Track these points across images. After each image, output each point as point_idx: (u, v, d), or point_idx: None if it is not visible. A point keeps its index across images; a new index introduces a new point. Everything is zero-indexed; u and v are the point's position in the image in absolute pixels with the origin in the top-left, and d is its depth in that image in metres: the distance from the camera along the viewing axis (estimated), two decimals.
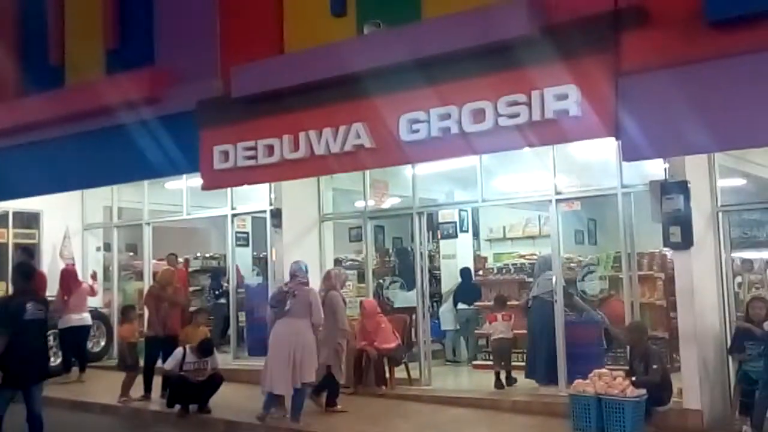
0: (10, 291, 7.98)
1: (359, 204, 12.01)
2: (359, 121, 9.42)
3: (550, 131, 8.13)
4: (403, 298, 12.42)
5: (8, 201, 14.19)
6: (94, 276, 13.22)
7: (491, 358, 10.77)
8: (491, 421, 8.79)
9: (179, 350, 9.51)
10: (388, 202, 12.16)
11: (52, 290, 12.11)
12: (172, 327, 10.49)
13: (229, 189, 12.03)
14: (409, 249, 12.51)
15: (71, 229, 14.52)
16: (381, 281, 12.87)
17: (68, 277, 12.30)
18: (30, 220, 14.87)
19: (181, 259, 14.20)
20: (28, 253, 12.32)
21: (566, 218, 10.38)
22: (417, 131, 8.97)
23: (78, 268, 13.53)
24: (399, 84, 9.02)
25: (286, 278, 10.77)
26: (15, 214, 14.62)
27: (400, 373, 10.39)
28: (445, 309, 12.43)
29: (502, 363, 10.17)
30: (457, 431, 8.45)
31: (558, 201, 9.56)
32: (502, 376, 9.99)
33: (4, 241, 14.58)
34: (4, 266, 14.48)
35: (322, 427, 8.45)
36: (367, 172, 11.01)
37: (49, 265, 13.89)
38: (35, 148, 12.98)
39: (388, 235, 14.88)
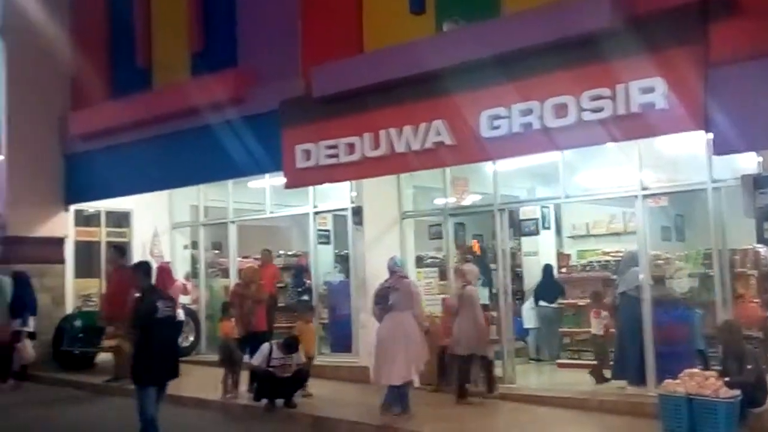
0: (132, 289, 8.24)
1: (439, 201, 11.99)
2: (439, 119, 9.44)
3: (635, 125, 7.98)
4: (484, 295, 12.31)
5: (100, 201, 14.77)
6: (187, 277, 13.61)
7: (578, 356, 10.64)
8: (577, 420, 8.65)
9: (266, 346, 9.70)
10: (469, 199, 12.09)
11: None
12: (257, 324, 10.68)
13: (311, 187, 12.17)
14: (489, 246, 12.43)
15: (160, 227, 14.98)
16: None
17: (163, 275, 12.62)
18: (121, 220, 15.43)
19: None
20: (120, 251, 12.70)
21: (653, 214, 10.11)
22: (498, 127, 8.94)
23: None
24: (479, 80, 9.01)
25: (369, 276, 10.97)
26: (107, 213, 15.19)
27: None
28: (528, 307, 12.29)
29: (599, 359, 10.02)
30: (542, 430, 8.35)
31: (644, 197, 9.32)
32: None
33: (97, 240, 15.18)
34: (97, 264, 15.10)
35: (408, 425, 8.44)
36: (448, 169, 10.97)
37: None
38: (125, 149, 13.49)
39: (468, 232, 14.79)
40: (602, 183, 10.68)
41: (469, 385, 9.62)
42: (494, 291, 11.26)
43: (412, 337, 8.65)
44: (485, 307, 10.39)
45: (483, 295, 11.81)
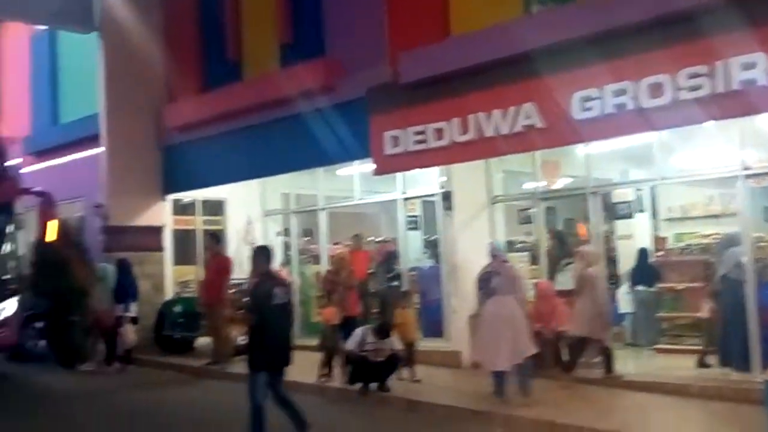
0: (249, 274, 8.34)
1: (529, 185, 11.86)
2: (529, 101, 9.35)
3: (735, 103, 7.72)
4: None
5: (196, 191, 15.21)
6: (283, 264, 13.92)
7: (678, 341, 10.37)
8: (678, 406, 8.44)
9: (359, 331, 9.82)
10: (560, 183, 11.92)
11: (238, 274, 12.86)
12: (350, 309, 10.83)
13: (399, 173, 12.22)
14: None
15: (253, 215, 15.33)
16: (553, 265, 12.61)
17: None
18: (215, 208, 15.87)
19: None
20: (216, 239, 13.07)
21: (755, 195, 9.73)
22: (590, 109, 8.78)
23: None
24: (570, 61, 8.86)
25: (459, 261, 10.98)
26: (202, 202, 15.65)
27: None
28: (623, 291, 12.04)
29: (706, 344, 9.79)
30: (643, 417, 8.19)
31: (746, 177, 8.98)
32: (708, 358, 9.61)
33: (193, 228, 15.66)
34: (192, 251, 15.58)
35: (503, 410, 8.43)
36: (538, 152, 10.82)
37: (234, 250, 14.76)
38: (219, 140, 13.86)
39: (559, 216, 14.57)
40: (700, 164, 10.35)
41: (579, 369, 9.62)
42: None
43: (517, 321, 8.62)
44: (571, 293, 10.24)
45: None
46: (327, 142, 11.66)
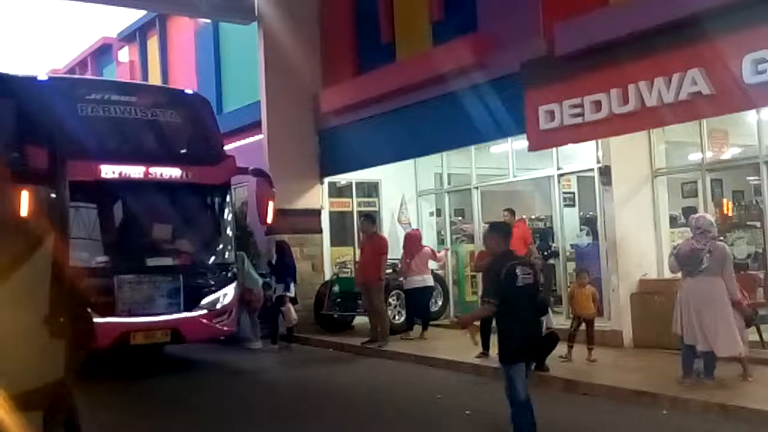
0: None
1: (694, 157, 11.26)
2: (695, 67, 8.86)
3: None
4: (745, 252, 11.42)
5: (351, 173, 15.54)
6: (443, 247, 14.03)
7: None
8: None
9: None
10: (729, 153, 11.24)
11: (394, 254, 13.05)
12: None
13: (554, 149, 11.95)
14: (753, 202, 11.47)
15: (406, 196, 15.49)
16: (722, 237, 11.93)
17: (411, 241, 13.07)
18: (370, 189, 16.17)
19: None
20: (371, 219, 13.28)
21: None
22: (763, 72, 8.22)
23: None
24: (740, 22, 8.33)
25: (619, 237, 10.60)
26: (357, 184, 15.98)
27: (752, 335, 9.57)
28: None
29: None
30: None
31: None
32: None
33: (349, 210, 16.03)
34: (349, 232, 15.95)
35: (670, 391, 8.09)
36: (704, 121, 10.24)
37: (389, 230, 14.99)
38: (372, 122, 14.08)
39: (726, 188, 13.77)
40: None
41: None
42: (758, 251, 10.41)
43: (726, 305, 8.09)
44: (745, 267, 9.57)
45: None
46: (480, 120, 11.57)
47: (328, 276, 15.17)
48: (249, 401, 8.85)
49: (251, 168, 11.96)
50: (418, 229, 14.29)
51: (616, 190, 10.95)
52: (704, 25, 8.51)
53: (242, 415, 8.15)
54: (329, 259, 15.56)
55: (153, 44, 23.14)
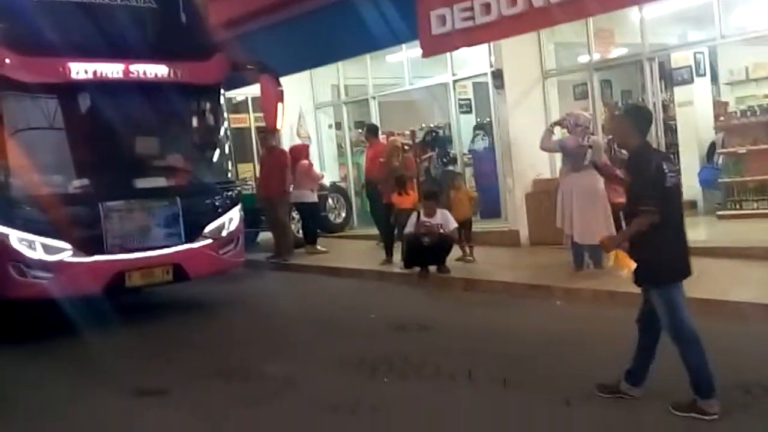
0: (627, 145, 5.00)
1: (583, 58, 11.50)
2: None
3: None
4: None
5: (246, 88, 15.16)
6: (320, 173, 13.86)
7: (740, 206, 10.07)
8: (744, 268, 8.29)
9: (414, 214, 9.87)
10: (615, 53, 11.52)
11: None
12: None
13: (448, 55, 11.97)
14: (640, 100, 11.87)
15: (304, 108, 15.30)
16: (610, 137, 12.36)
17: (293, 155, 12.79)
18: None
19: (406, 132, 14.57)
20: (270, 135, 13.06)
21: None
22: None
23: (314, 146, 14.28)
24: None
25: (513, 140, 10.82)
26: (253, 99, 15.64)
27: None
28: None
29: None
30: (710, 279, 7.98)
31: None
32: None
33: (246, 126, 15.73)
34: (249, 149, 15.71)
35: (562, 283, 8.46)
36: (590, 20, 10.42)
37: (288, 145, 14.83)
38: (264, 34, 13.66)
39: (615, 88, 14.18)
40: (765, 21, 9.84)
41: None
42: None
43: (603, 198, 8.50)
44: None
45: None
46: (374, 27, 11.39)
47: None
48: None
49: (253, 62, 10.04)
50: (304, 144, 14.10)
51: (508, 93, 11.13)
52: None
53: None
54: None
55: None
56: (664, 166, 4.64)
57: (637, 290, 4.97)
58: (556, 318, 7.50)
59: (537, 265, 9.71)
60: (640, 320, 4.89)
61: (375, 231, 12.12)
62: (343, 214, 14.52)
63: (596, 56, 11.05)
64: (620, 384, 4.88)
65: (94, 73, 8.07)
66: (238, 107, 15.82)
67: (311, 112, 15.46)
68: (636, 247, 4.73)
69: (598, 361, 5.69)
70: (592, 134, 8.87)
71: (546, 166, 11.14)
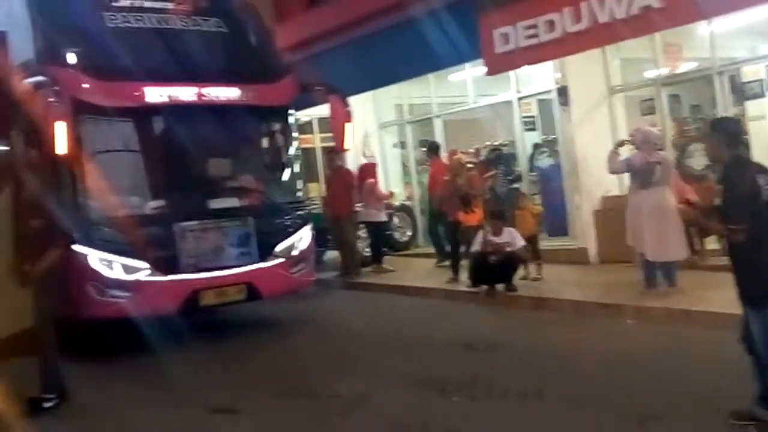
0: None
1: (650, 73, 11.34)
2: None
3: None
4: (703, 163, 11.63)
5: (311, 108, 15.39)
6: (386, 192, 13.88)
7: None
8: None
9: (480, 232, 9.86)
10: (684, 67, 11.33)
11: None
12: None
13: (512, 73, 11.96)
14: (711, 115, 11.63)
15: (368, 129, 15.42)
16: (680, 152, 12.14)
17: (360, 174, 13.01)
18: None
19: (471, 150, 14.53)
20: (335, 155, 13.22)
21: None
22: None
23: (379, 166, 14.35)
24: None
25: (579, 157, 10.73)
26: (319, 120, 15.86)
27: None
28: None
29: None
30: None
31: None
32: None
33: (311, 146, 15.94)
34: (313, 169, 15.90)
35: (633, 302, 8.33)
36: (657, 36, 10.29)
37: (354, 165, 14.96)
38: (328, 56, 13.91)
39: (684, 103, 13.92)
40: None
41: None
42: None
43: (675, 213, 8.34)
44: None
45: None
46: (437, 46, 11.46)
47: None
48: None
49: (321, 83, 10.12)
50: (371, 162, 14.20)
51: (574, 110, 11.07)
52: None
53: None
54: None
55: None
56: (759, 180, 4.49)
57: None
58: (628, 337, 7.39)
59: (606, 283, 9.57)
60: (744, 338, 4.64)
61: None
62: (409, 233, 14.58)
63: (664, 71, 10.90)
64: (753, 410, 4.58)
65: (168, 96, 8.30)
66: (304, 128, 16.00)
67: (375, 131, 15.58)
68: (733, 263, 4.64)
69: (672, 380, 5.61)
70: (661, 150, 8.70)
71: (614, 182, 11.00)
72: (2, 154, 6.85)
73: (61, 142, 7.50)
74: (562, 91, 11.11)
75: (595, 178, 10.93)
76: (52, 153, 7.48)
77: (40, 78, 7.79)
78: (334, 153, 12.53)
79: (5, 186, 6.51)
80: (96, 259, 7.75)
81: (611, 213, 10.57)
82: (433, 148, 12.98)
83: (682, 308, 7.69)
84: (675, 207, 8.35)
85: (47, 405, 6.08)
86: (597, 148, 11.03)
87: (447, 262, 11.64)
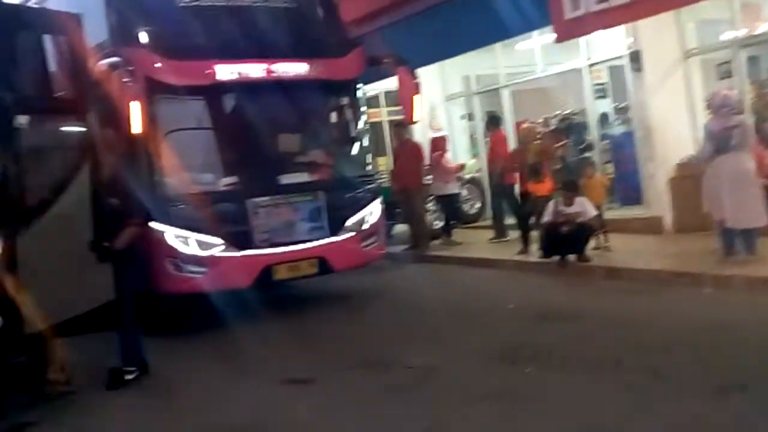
0: None
1: (727, 35, 10.93)
2: None
3: None
4: None
5: (378, 82, 15.37)
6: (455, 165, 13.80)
7: None
8: None
9: (551, 203, 9.72)
10: (762, 27, 10.88)
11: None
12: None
13: (582, 40, 11.68)
14: None
15: (435, 101, 15.32)
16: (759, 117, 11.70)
17: (432, 147, 13.05)
18: (397, 98, 15.96)
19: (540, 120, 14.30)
20: (403, 128, 13.20)
21: None
22: None
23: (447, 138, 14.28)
24: None
25: (653, 123, 10.44)
26: (386, 93, 15.84)
27: None
28: None
29: None
30: None
31: None
32: None
33: (379, 120, 15.95)
34: (381, 143, 15.90)
35: (711, 270, 8.09)
36: None
37: (421, 137, 14.91)
38: (394, 29, 13.81)
39: (763, 66, 13.39)
40: None
41: None
42: None
43: (755, 178, 8.14)
44: None
45: None
46: (504, 15, 11.31)
47: None
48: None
49: (389, 55, 10.12)
50: (442, 136, 14.11)
51: (647, 75, 10.75)
52: None
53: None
54: None
55: None
56: None
57: None
58: (707, 306, 7.21)
59: (682, 252, 9.34)
60: None
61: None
62: (478, 205, 14.48)
63: (742, 32, 10.48)
64: None
65: (239, 74, 8.41)
66: (371, 102, 16.01)
67: (442, 104, 15.46)
68: None
69: (753, 349, 5.45)
70: (739, 114, 8.39)
71: (690, 150, 10.68)
72: (80, 135, 7.05)
73: (137, 121, 7.70)
74: (635, 57, 10.79)
75: (670, 145, 10.64)
76: (127, 132, 7.66)
77: (114, 59, 7.95)
78: (402, 126, 12.52)
79: (84, 165, 6.74)
80: (172, 235, 7.94)
81: (687, 180, 10.28)
82: (493, 121, 12.84)
83: (763, 276, 7.45)
84: (755, 172, 8.05)
85: (128, 377, 6.31)
86: (671, 115, 10.76)
87: (505, 238, 11.75)
